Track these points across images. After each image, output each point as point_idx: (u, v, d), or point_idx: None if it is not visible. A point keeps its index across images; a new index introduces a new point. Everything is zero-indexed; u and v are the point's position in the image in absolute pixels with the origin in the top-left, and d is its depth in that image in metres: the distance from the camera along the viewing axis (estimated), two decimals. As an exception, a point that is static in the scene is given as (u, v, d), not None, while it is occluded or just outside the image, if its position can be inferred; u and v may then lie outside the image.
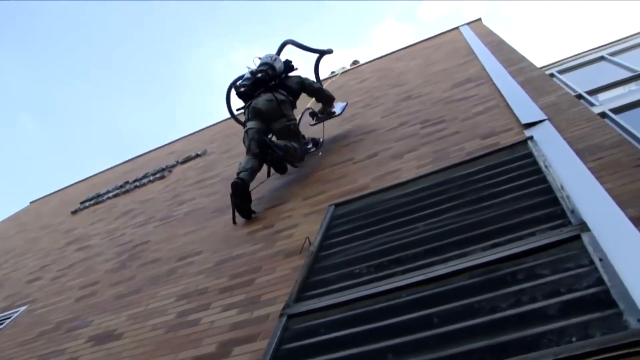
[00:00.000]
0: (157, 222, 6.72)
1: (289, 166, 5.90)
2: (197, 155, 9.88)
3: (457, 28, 11.06)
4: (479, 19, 11.14)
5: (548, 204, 3.06)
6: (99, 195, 10.30)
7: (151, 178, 9.64)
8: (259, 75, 6.16)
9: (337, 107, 6.88)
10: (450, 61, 8.13)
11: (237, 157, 8.21)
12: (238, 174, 5.52)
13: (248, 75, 6.35)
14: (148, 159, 12.47)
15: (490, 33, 9.12)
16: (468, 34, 9.75)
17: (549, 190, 3.19)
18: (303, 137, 6.31)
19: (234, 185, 5.32)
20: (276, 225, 4.78)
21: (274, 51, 6.73)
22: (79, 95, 38.10)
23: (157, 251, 5.63)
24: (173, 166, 9.93)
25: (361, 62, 13.17)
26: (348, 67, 12.67)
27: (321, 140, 6.64)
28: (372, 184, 4.61)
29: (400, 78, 8.57)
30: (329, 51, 7.03)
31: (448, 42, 9.98)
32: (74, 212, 9.95)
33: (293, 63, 6.51)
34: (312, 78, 6.90)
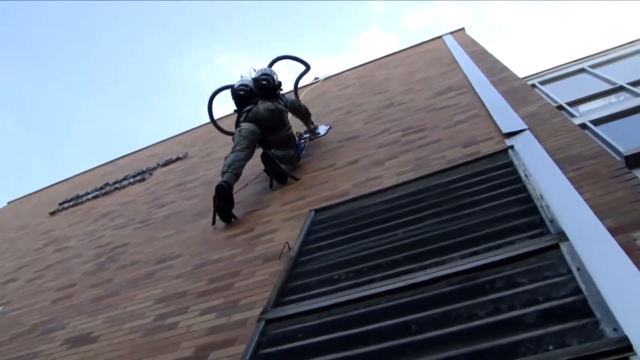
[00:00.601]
0: (137, 225, 6.66)
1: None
2: (178, 159, 9.82)
3: (440, 37, 11.13)
4: (462, 29, 11.22)
5: (527, 213, 3.07)
6: (78, 197, 10.19)
7: (131, 180, 9.56)
8: (264, 82, 6.23)
9: (321, 129, 7.09)
10: (432, 69, 8.17)
11: (218, 161, 8.17)
12: (223, 173, 5.51)
13: (246, 81, 6.40)
14: (128, 161, 12.38)
15: (473, 43, 9.19)
16: (451, 43, 9.81)
17: (528, 199, 3.20)
18: (295, 135, 6.50)
19: (219, 188, 5.28)
20: (256, 229, 4.76)
21: (263, 62, 6.86)
22: (59, 96, 37.77)
23: (136, 254, 5.58)
24: (154, 169, 9.86)
25: (342, 70, 13.17)
26: (321, 78, 12.47)
27: (314, 131, 6.94)
28: (352, 190, 4.60)
29: (383, 85, 8.59)
30: (308, 65, 7.14)
31: (431, 50, 10.03)
32: (53, 213, 9.83)
33: (281, 85, 6.62)
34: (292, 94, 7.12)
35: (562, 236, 2.71)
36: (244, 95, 6.26)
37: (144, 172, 9.87)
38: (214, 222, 5.37)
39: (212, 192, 5.68)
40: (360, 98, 8.31)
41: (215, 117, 7.20)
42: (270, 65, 6.86)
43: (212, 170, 7.80)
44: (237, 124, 6.17)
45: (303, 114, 6.86)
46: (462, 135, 4.75)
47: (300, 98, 7.76)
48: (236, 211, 5.45)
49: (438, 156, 4.49)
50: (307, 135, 7.04)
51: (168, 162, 9.86)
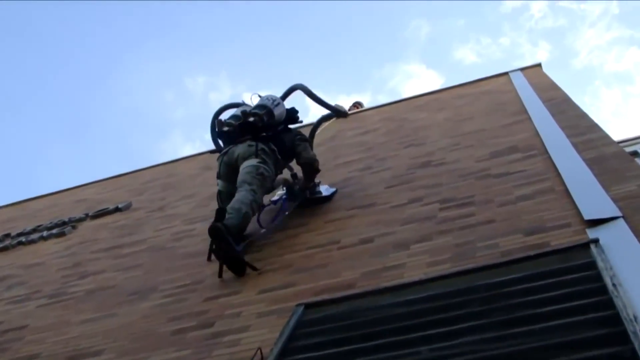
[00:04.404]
0: (44, 300, 6.61)
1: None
2: (117, 209, 9.81)
3: (506, 73, 11.28)
4: (539, 65, 11.37)
5: (613, 340, 3.04)
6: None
7: (44, 234, 9.52)
8: (251, 119, 6.52)
9: (323, 189, 7.09)
10: (491, 119, 8.24)
11: (174, 218, 8.16)
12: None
13: (238, 113, 6.73)
14: (43, 205, 12.38)
15: (552, 86, 9.30)
16: (520, 83, 9.93)
17: (615, 319, 3.17)
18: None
19: (210, 231, 5.58)
20: (217, 324, 4.72)
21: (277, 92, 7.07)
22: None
23: (37, 343, 5.51)
24: (79, 220, 9.84)
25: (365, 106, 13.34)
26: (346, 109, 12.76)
27: (312, 189, 6.96)
28: (361, 282, 4.58)
29: (419, 135, 8.66)
30: (343, 113, 7.52)
31: (491, 92, 10.16)
32: None
33: (299, 114, 6.96)
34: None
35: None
36: (228, 132, 6.64)
37: (64, 223, 9.83)
38: (209, 257, 5.91)
39: (159, 260, 5.65)
40: (385, 150, 8.36)
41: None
42: (284, 96, 7.13)
43: (164, 230, 7.79)
44: (217, 177, 6.64)
45: (308, 169, 6.86)
46: (525, 218, 4.75)
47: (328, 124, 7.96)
48: (196, 293, 5.42)
49: (488, 244, 4.48)
50: (298, 190, 6.98)
51: (101, 214, 9.84)
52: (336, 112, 7.44)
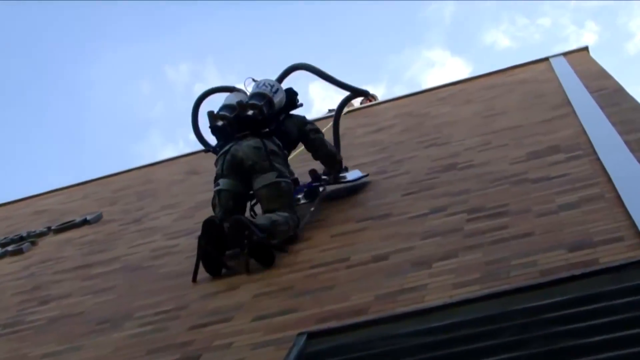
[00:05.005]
0: (-3, 330, 6.62)
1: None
2: (85, 222, 9.82)
3: (546, 59, 11.28)
4: (585, 48, 11.35)
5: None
6: None
7: (-1, 251, 9.55)
8: (250, 112, 6.67)
9: (352, 174, 7.43)
10: (528, 113, 8.24)
11: (153, 231, 8.17)
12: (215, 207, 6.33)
13: (232, 102, 6.87)
14: (-1, 217, 12.40)
15: (601, 74, 9.29)
16: (563, 71, 9.92)
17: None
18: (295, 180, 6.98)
19: (208, 222, 5.94)
20: (204, 357, 4.73)
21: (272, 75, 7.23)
22: None
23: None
24: (40, 235, 9.85)
25: (376, 100, 13.34)
26: (358, 104, 12.83)
27: (320, 187, 7.24)
28: (375, 306, 4.58)
29: (442, 131, 8.66)
30: (364, 92, 7.72)
31: (528, 80, 10.16)
32: None
33: (298, 96, 7.14)
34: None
35: None
36: (223, 127, 6.78)
37: (21, 239, 9.85)
38: (195, 277, 5.89)
39: (135, 282, 5.67)
40: (402, 150, 8.37)
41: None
42: (281, 77, 7.33)
43: (141, 246, 7.80)
44: (216, 179, 6.72)
45: (323, 155, 7.33)
46: (569, 230, 4.75)
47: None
48: (180, 321, 5.43)
49: (524, 262, 4.48)
50: (325, 177, 7.38)
51: (66, 227, 9.86)
52: (355, 92, 7.60)
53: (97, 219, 9.85)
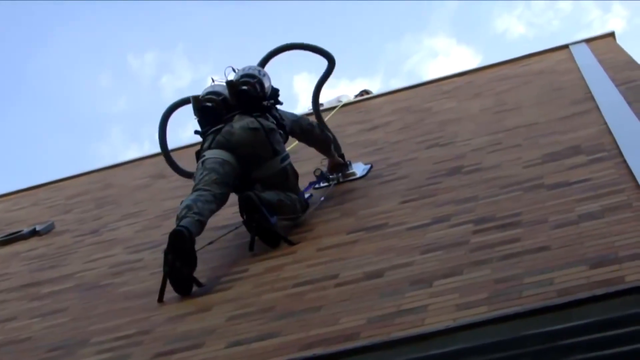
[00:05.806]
0: None
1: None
2: (34, 233, 9.82)
3: (566, 46, 11.31)
4: (612, 34, 11.39)
5: None
6: None
7: None
8: (244, 87, 6.93)
9: (357, 168, 7.84)
10: (545, 109, 8.27)
11: (112, 244, 8.17)
12: (180, 219, 6.16)
13: (218, 88, 7.16)
14: None
15: (629, 64, 9.32)
16: (586, 61, 9.95)
17: None
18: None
19: (175, 235, 5.91)
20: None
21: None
22: None
23: None
24: (-19, 248, 9.86)
25: (370, 94, 13.38)
26: (352, 98, 12.88)
27: (330, 175, 7.76)
28: (366, 331, 4.57)
29: (446, 131, 8.68)
30: (330, 56, 7.97)
31: (545, 72, 10.19)
32: None
33: (279, 92, 7.33)
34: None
35: None
36: (212, 108, 6.96)
37: (-39, 252, 9.86)
38: (161, 297, 5.90)
39: (92, 303, 5.66)
40: (399, 151, 8.39)
41: (171, 147, 7.92)
42: (263, 62, 7.63)
43: (99, 261, 7.80)
44: (200, 153, 6.87)
45: (318, 139, 7.68)
46: (591, 244, 4.76)
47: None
48: (138, 344, 5.43)
49: (539, 280, 4.49)
50: (331, 176, 7.73)
51: (11, 239, 9.86)
52: (328, 55, 7.96)
53: (48, 230, 9.84)
